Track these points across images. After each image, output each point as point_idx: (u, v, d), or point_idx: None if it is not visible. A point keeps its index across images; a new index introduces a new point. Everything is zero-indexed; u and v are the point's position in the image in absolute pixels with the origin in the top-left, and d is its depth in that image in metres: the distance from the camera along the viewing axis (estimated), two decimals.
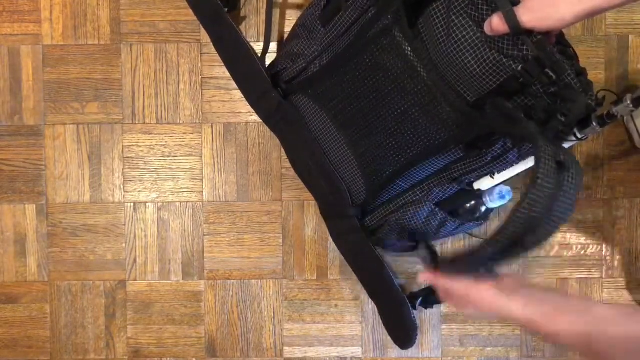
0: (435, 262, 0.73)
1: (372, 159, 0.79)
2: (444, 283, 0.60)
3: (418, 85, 0.68)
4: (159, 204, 1.00)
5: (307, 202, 0.99)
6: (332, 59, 0.77)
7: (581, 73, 0.59)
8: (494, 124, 0.62)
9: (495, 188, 0.78)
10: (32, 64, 0.99)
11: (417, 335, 0.90)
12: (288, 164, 0.95)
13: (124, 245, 1.00)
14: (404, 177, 0.79)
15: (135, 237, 1.00)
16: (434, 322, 1.01)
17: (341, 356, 1.01)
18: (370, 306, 1.00)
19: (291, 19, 0.98)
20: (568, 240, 1.00)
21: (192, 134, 0.99)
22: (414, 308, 0.91)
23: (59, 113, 0.99)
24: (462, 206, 0.83)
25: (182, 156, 1.00)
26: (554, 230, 0.49)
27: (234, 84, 0.94)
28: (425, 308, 0.96)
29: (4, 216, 1.00)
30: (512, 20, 0.54)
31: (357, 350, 1.01)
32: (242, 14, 0.99)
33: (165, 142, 1.00)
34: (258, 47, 0.93)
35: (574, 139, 0.68)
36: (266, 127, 0.94)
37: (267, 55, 0.90)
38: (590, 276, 1.00)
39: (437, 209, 0.81)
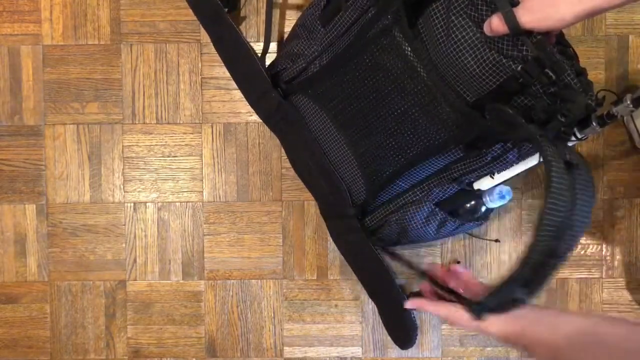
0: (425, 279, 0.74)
1: (372, 159, 0.79)
2: (427, 308, 0.69)
3: (418, 85, 0.68)
4: (159, 204, 1.00)
5: (307, 202, 0.99)
6: (332, 59, 0.77)
7: (581, 73, 0.59)
8: (495, 129, 0.62)
9: (495, 188, 0.79)
10: (32, 64, 0.99)
11: (417, 335, 0.89)
12: (288, 164, 0.95)
13: (124, 245, 1.00)
14: (404, 177, 0.79)
15: (135, 237, 1.00)
16: (434, 322, 1.01)
17: (341, 356, 1.01)
18: (370, 306, 1.00)
19: (291, 19, 0.98)
20: None
21: (192, 134, 0.99)
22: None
23: (59, 113, 0.99)
24: (462, 206, 0.84)
25: (182, 156, 1.00)
26: (584, 229, 0.49)
27: (234, 84, 0.94)
28: None
29: (4, 216, 1.00)
30: (511, 20, 0.54)
31: (357, 350, 1.01)
32: (242, 14, 0.99)
33: (165, 142, 1.00)
34: (258, 47, 0.93)
35: (574, 139, 0.68)
36: (266, 127, 0.94)
37: (267, 55, 0.90)
38: (590, 276, 1.00)
39: (437, 209, 0.81)
